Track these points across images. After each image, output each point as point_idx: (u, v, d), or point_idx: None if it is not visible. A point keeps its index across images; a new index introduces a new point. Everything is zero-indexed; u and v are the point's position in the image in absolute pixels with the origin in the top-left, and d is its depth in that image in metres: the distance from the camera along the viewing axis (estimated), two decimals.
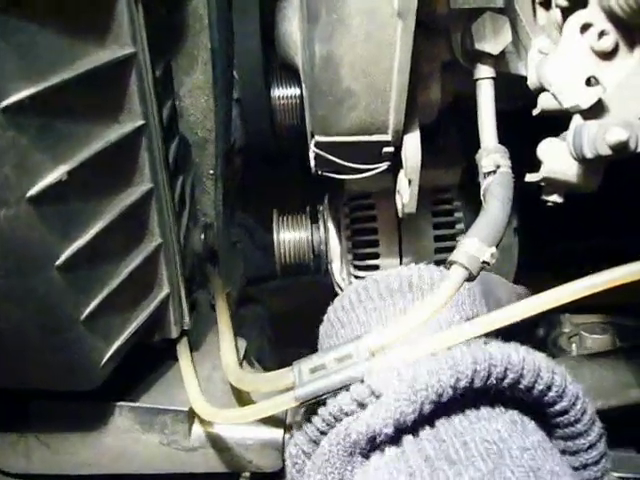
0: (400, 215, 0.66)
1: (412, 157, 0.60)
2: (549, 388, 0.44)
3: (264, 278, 1.33)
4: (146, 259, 0.58)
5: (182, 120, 0.95)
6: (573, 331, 1.00)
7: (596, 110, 0.47)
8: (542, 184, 0.53)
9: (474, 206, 0.84)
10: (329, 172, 0.65)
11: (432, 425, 0.43)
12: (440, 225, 0.82)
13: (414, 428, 0.42)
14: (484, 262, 0.52)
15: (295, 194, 1.26)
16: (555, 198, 0.52)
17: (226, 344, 0.66)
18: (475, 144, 0.59)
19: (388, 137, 0.60)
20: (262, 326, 1.35)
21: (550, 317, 1.05)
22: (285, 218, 0.97)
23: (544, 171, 0.51)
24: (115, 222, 0.52)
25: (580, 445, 0.46)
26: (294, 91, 1.00)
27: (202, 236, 0.75)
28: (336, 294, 1.01)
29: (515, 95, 0.65)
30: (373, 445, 0.42)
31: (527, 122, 0.58)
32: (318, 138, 0.60)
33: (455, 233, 0.83)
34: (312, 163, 0.63)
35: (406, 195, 0.63)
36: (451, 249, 0.86)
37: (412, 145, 0.60)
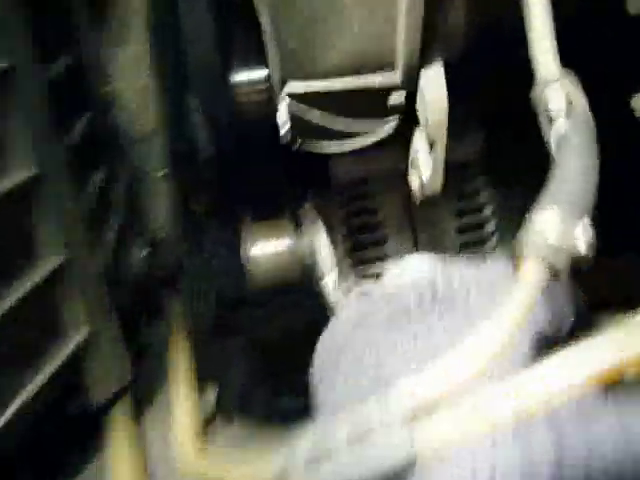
0: (419, 198, 0.46)
1: (435, 104, 0.40)
2: None
3: (247, 301, 1.12)
4: (36, 289, 0.37)
5: (118, 109, 0.74)
6: None
7: None
8: None
9: (500, 185, 0.65)
10: (309, 141, 0.45)
11: None
12: (464, 212, 0.62)
13: None
14: (575, 248, 0.32)
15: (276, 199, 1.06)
16: None
17: (180, 410, 0.45)
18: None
19: (396, 77, 0.40)
20: (247, 361, 1.14)
21: None
22: (259, 226, 0.76)
23: None
24: None
25: None
26: (261, 73, 0.83)
27: (142, 253, 0.54)
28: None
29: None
30: None
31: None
32: (292, 85, 0.40)
33: (482, 222, 0.63)
34: (283, 129, 0.43)
35: (426, 167, 0.43)
36: (479, 243, 0.66)
37: (434, 87, 0.40)
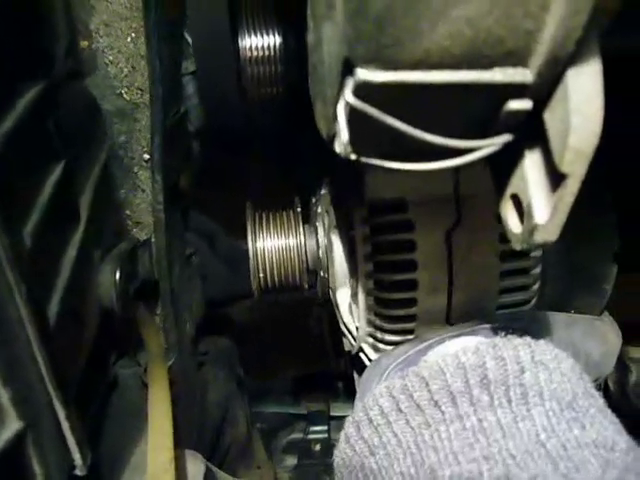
0: (518, 246, 0.32)
1: (585, 122, 0.26)
2: None
3: (231, 299, 0.98)
4: None
5: (97, 73, 0.58)
6: None
7: None
8: None
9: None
10: (373, 155, 0.30)
11: None
12: (508, 255, 0.50)
13: None
14: None
15: (270, 187, 0.92)
16: None
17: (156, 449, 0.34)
18: None
19: (526, 74, 0.26)
20: (230, 365, 1.01)
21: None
22: (263, 217, 0.64)
23: None
24: None
25: None
26: (271, 40, 0.69)
27: (117, 275, 0.40)
28: (336, 333, 0.70)
29: None
30: None
31: None
32: (364, 73, 0.25)
33: (528, 266, 0.51)
34: (342, 137, 0.28)
35: (544, 208, 0.29)
36: (522, 288, 0.54)
37: (587, 96, 0.26)
